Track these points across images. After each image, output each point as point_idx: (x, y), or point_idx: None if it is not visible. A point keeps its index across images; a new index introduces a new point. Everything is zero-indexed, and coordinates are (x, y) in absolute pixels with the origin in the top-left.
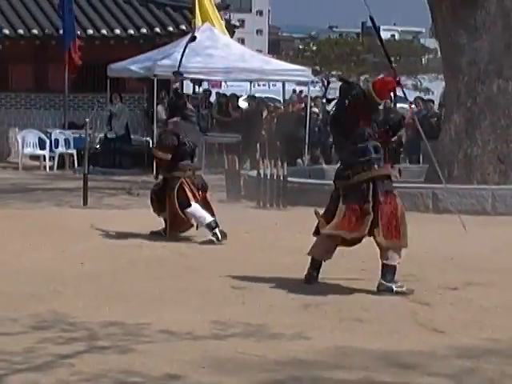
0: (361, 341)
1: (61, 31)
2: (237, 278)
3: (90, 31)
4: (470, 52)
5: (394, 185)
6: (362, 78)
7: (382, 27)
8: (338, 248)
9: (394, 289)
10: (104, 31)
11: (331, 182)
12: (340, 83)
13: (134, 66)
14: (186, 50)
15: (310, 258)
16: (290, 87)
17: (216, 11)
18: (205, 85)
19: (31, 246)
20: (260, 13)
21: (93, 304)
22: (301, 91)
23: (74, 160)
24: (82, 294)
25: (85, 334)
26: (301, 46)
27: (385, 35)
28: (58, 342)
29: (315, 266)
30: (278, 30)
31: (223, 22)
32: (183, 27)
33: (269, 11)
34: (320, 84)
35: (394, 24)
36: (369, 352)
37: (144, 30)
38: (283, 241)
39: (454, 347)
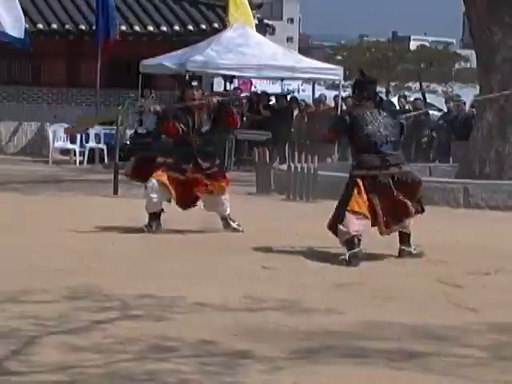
0: (393, 316)
1: (94, 27)
2: (267, 260)
3: (123, 27)
4: (504, 50)
5: (427, 181)
6: (393, 84)
7: (412, 37)
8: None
9: (413, 251)
10: (137, 28)
11: None
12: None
13: (167, 61)
14: (220, 47)
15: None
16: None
17: (249, 9)
18: (235, 83)
19: (62, 227)
20: (291, 20)
21: (125, 279)
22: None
23: (104, 155)
24: (115, 270)
25: (118, 304)
26: (331, 51)
27: (415, 45)
28: (90, 310)
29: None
30: (309, 37)
31: (255, 21)
32: (216, 25)
33: (299, 19)
34: (350, 89)
35: (425, 34)
36: (401, 325)
37: (177, 28)
38: (312, 229)
39: (487, 323)
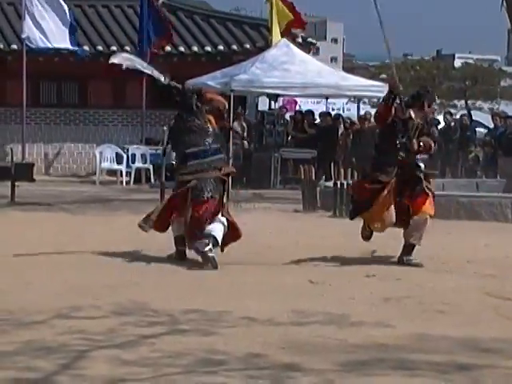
0: (443, 329)
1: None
2: (314, 275)
3: (168, 48)
4: None
5: (475, 196)
6: (438, 101)
7: (456, 55)
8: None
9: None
10: (182, 48)
11: None
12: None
13: (211, 81)
14: (264, 65)
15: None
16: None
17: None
18: (280, 102)
19: (109, 246)
20: (335, 40)
21: (172, 294)
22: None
23: (150, 175)
24: (161, 285)
25: (165, 319)
26: (375, 70)
27: (459, 62)
28: (138, 325)
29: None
30: (353, 57)
31: (299, 39)
32: (260, 44)
33: (343, 39)
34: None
35: (470, 52)
36: (451, 338)
37: (221, 47)
38: (359, 245)
39: None
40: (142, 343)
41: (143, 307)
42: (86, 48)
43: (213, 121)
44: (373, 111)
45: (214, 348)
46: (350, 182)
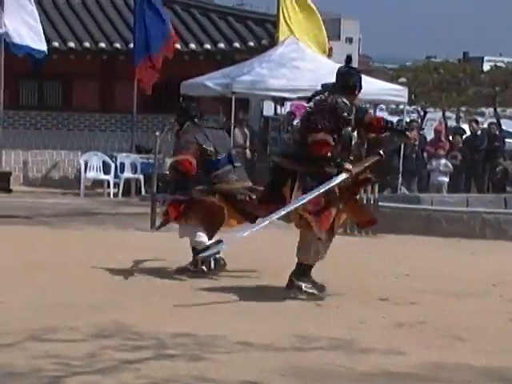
0: (462, 357)
1: (131, 45)
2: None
3: None
4: None
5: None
6: (463, 109)
7: (485, 58)
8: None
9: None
10: (178, 46)
11: (428, 207)
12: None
13: (210, 82)
14: (271, 64)
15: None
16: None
17: (322, 25)
18: (287, 106)
19: (92, 263)
20: (350, 40)
21: (159, 315)
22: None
23: (140, 186)
24: (147, 305)
25: (151, 343)
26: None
27: (489, 66)
28: (121, 349)
29: None
30: (370, 59)
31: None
32: (265, 42)
33: (359, 39)
34: (416, 115)
35: (500, 55)
36: (471, 367)
37: (222, 45)
38: (373, 266)
39: None
40: (124, 369)
41: (127, 329)
42: (72, 45)
43: None
44: (391, 119)
45: (204, 375)
46: (363, 195)
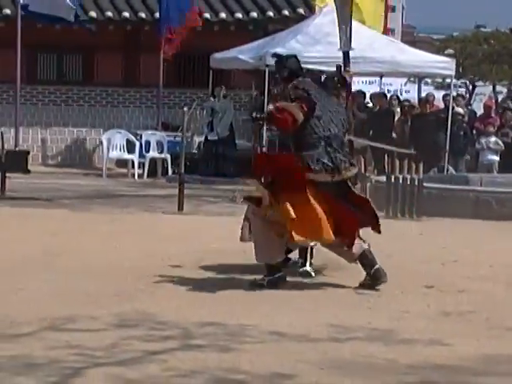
0: None
1: (156, 14)
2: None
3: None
4: None
5: None
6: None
7: None
8: None
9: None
10: (207, 15)
11: (477, 188)
12: None
13: (243, 55)
14: (305, 37)
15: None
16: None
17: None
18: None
19: (117, 248)
20: (392, 9)
21: (185, 305)
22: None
23: (167, 166)
24: (174, 294)
25: (177, 333)
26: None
27: None
28: (146, 340)
29: None
30: (414, 29)
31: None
32: (301, 10)
33: (403, 7)
34: (464, 89)
35: None
36: None
37: (254, 14)
38: (417, 249)
39: None
40: (150, 360)
41: (151, 319)
42: (93, 14)
43: None
44: (437, 93)
45: (236, 367)
46: (407, 175)
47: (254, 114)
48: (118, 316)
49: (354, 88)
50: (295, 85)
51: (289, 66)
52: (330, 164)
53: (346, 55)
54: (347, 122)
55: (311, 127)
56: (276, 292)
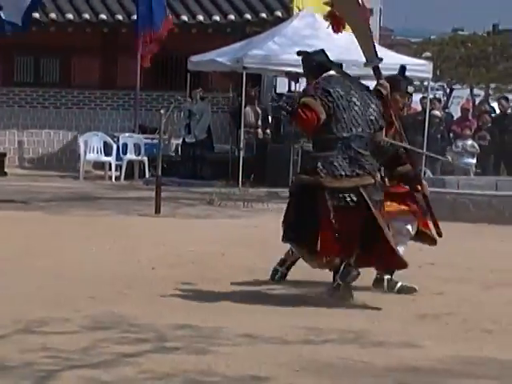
0: (490, 351)
1: (134, 16)
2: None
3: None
4: None
5: None
6: (493, 85)
7: None
8: None
9: None
10: (184, 17)
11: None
12: None
13: (220, 57)
14: (282, 39)
15: None
16: None
17: None
18: (304, 83)
19: (95, 250)
20: (370, 11)
21: (161, 308)
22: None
23: (144, 169)
24: (148, 297)
25: (152, 336)
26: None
27: None
28: (120, 342)
29: None
30: (391, 32)
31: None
32: (279, 13)
33: (380, 10)
34: (441, 92)
35: None
36: (500, 362)
37: (232, 17)
38: None
39: None
40: (125, 363)
41: (126, 321)
42: (70, 16)
43: None
44: (414, 96)
45: (212, 369)
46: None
47: (281, 103)
48: (93, 318)
49: None
50: (317, 83)
51: (317, 59)
52: (338, 169)
53: (375, 70)
54: (379, 122)
55: (329, 127)
56: (252, 295)
